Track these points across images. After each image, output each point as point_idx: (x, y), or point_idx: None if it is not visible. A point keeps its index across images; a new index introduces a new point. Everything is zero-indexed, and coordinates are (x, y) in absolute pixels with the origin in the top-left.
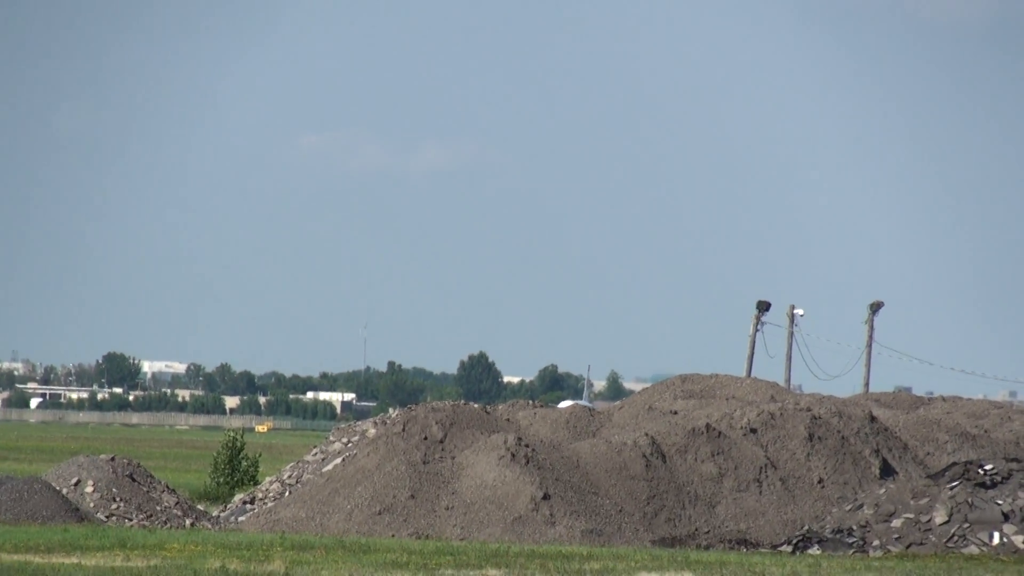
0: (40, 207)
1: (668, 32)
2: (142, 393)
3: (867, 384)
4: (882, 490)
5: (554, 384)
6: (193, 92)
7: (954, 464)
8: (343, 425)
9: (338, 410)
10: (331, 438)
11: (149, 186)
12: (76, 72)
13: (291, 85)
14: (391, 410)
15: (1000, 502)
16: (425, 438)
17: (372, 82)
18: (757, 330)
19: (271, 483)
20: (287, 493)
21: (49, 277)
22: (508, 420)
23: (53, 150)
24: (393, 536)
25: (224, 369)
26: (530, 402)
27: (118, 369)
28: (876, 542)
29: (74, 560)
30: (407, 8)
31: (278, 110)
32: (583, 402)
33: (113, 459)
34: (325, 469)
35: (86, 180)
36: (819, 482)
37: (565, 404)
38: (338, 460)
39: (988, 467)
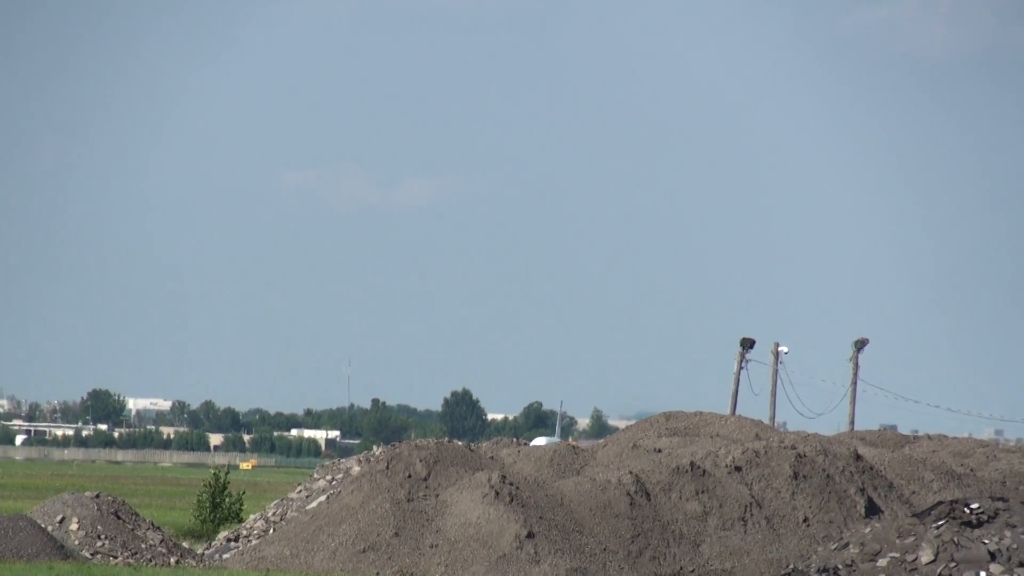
0: (23, 243)
1: (651, 71)
2: (127, 430)
3: (852, 422)
4: (868, 529)
5: (539, 421)
6: (177, 128)
7: (940, 503)
8: (327, 463)
9: (322, 447)
10: (315, 475)
11: (134, 223)
12: (57, 106)
13: (274, 121)
14: (375, 448)
15: (986, 541)
16: (409, 476)
17: (354, 118)
18: (742, 368)
19: (256, 520)
20: (271, 531)
21: (34, 314)
22: (492, 458)
23: (34, 185)
24: (377, 574)
25: (208, 406)
26: (514, 440)
27: (103, 406)
28: None
29: None
30: (390, 43)
31: (262, 146)
32: (555, 439)
33: (98, 496)
34: (309, 507)
35: (70, 217)
36: (804, 520)
37: (539, 441)
38: (322, 498)
39: (974, 506)
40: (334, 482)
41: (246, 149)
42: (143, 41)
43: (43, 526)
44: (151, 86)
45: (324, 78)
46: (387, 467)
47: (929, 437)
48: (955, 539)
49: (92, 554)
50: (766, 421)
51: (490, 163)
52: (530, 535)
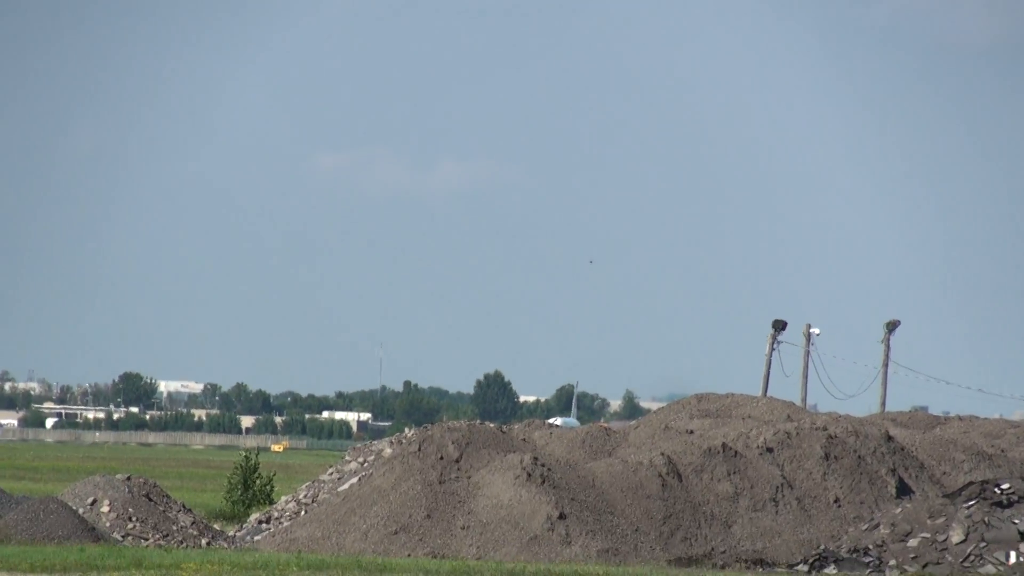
0: (56, 227)
1: (685, 57)
2: (158, 413)
3: (883, 403)
4: (898, 509)
5: (570, 403)
6: (212, 112)
7: (971, 483)
8: (359, 445)
9: (354, 429)
10: (347, 458)
11: (166, 207)
12: (94, 91)
13: (309, 105)
14: (407, 430)
15: (1017, 521)
16: (441, 458)
17: (389, 101)
18: (773, 349)
19: (287, 502)
20: (303, 512)
21: (66, 297)
22: (524, 440)
23: (70, 170)
24: (409, 556)
25: (240, 389)
26: (546, 422)
27: (134, 389)
28: (892, 561)
29: None
30: (425, 27)
31: (296, 130)
32: (571, 420)
33: (129, 479)
34: (341, 489)
35: (103, 200)
36: (835, 501)
37: (554, 421)
38: (354, 480)
39: (1005, 486)
40: (366, 464)
41: (280, 133)
42: (178, 30)
43: (74, 508)
44: (188, 73)
45: (359, 62)
46: (419, 449)
47: (960, 418)
48: (985, 519)
49: (123, 536)
50: (797, 403)
51: (522, 147)
52: (562, 516)
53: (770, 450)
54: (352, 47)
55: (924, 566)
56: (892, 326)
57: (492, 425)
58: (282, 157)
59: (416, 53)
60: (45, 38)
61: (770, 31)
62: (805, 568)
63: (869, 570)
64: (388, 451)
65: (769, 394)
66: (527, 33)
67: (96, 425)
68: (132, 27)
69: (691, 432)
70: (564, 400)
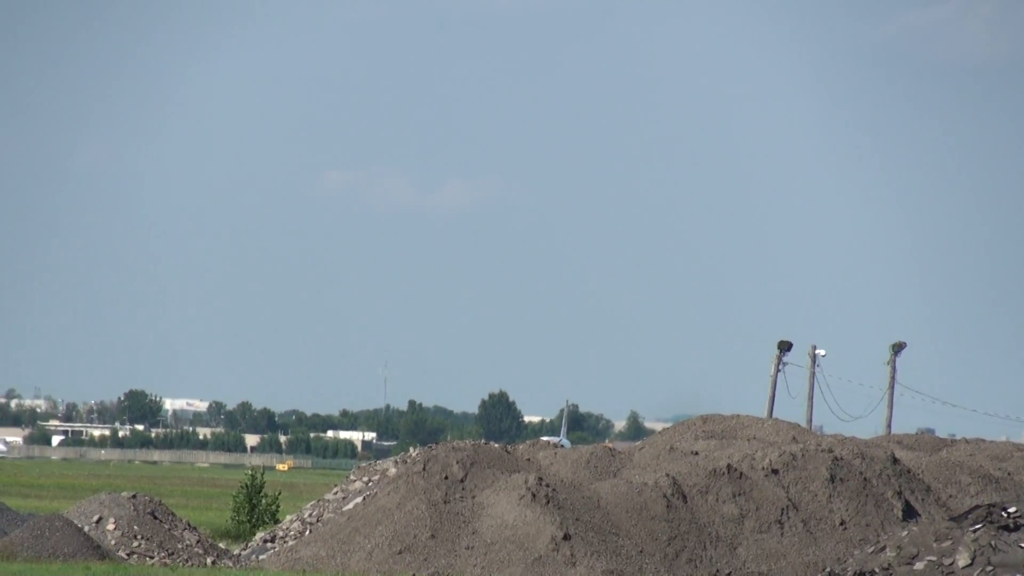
0: (62, 244)
1: (692, 78)
2: (163, 431)
3: (889, 425)
4: (904, 532)
5: (575, 424)
6: (220, 129)
7: (977, 507)
8: (364, 464)
9: (359, 449)
10: (352, 477)
11: (174, 224)
12: (103, 109)
13: (316, 122)
14: (411, 449)
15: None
16: (446, 477)
17: (396, 119)
18: (779, 370)
19: (292, 522)
20: (308, 532)
21: (72, 315)
22: (528, 460)
23: (77, 187)
24: (413, 575)
25: (245, 407)
26: (550, 442)
27: (139, 406)
28: None
29: None
30: (431, 46)
31: (303, 147)
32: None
33: (135, 496)
34: (346, 508)
35: (110, 218)
36: (841, 524)
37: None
38: (359, 499)
39: (1012, 510)
40: (370, 483)
41: (286, 150)
42: (182, 44)
43: (80, 526)
44: (196, 90)
45: (366, 81)
46: (424, 468)
47: (967, 441)
48: (992, 543)
49: (128, 554)
50: (803, 424)
51: (528, 167)
52: (566, 537)
53: (775, 472)
54: (360, 65)
55: None
56: (898, 348)
57: (496, 445)
58: (289, 174)
59: (423, 72)
60: (56, 55)
61: (778, 54)
62: None
63: None
64: (393, 470)
65: (775, 415)
66: (534, 52)
67: (101, 443)
68: (138, 45)
69: (696, 453)
70: (568, 420)
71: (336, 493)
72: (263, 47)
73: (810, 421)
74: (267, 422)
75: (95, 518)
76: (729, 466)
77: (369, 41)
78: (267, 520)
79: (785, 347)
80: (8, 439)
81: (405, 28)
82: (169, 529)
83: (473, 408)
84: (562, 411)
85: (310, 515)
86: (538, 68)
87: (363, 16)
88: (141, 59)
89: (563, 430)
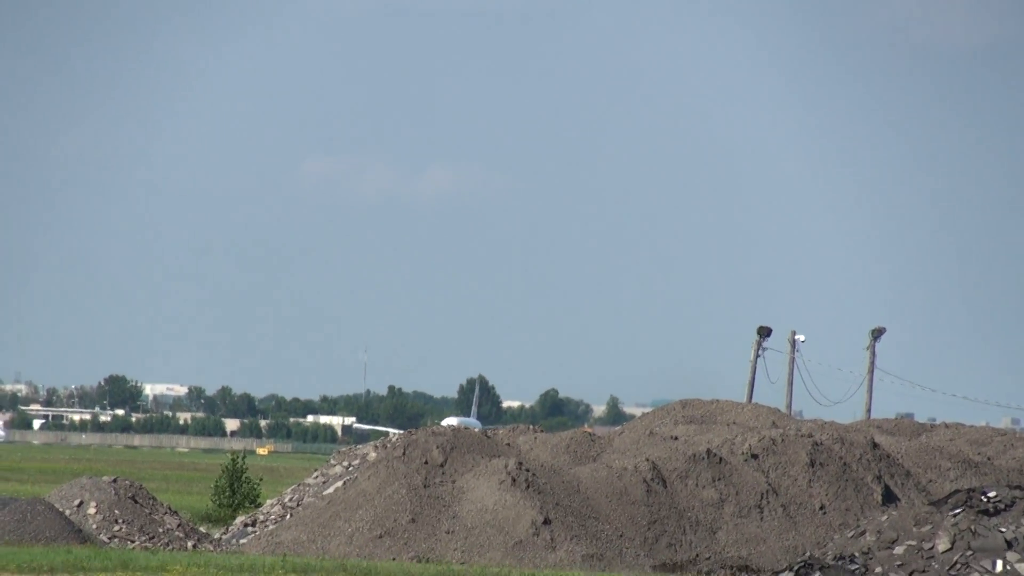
0: (42, 230)
1: (673, 64)
2: (143, 415)
3: (869, 410)
4: (884, 517)
5: (555, 409)
6: (200, 116)
7: (957, 491)
8: (344, 448)
9: (339, 433)
10: (332, 461)
11: (154, 210)
12: (82, 94)
13: (297, 109)
14: (391, 434)
15: (1003, 530)
16: (426, 462)
17: (378, 106)
18: (758, 356)
19: (272, 506)
20: (288, 516)
21: (52, 299)
22: (508, 445)
23: (56, 173)
24: (394, 560)
25: (225, 392)
26: (530, 427)
27: (120, 391)
28: (878, 569)
29: None
30: (414, 32)
31: (284, 134)
32: (471, 419)
33: (115, 481)
34: (326, 492)
35: (90, 204)
36: (821, 508)
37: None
38: (339, 483)
39: (991, 494)
40: (351, 468)
41: (267, 138)
42: (164, 33)
43: (61, 510)
44: (174, 75)
45: (348, 68)
46: (404, 453)
47: (946, 425)
48: (972, 527)
49: (110, 538)
50: (783, 409)
51: (509, 154)
52: (546, 521)
53: (755, 456)
54: (341, 52)
55: (910, 574)
56: (878, 333)
57: (477, 430)
58: (270, 161)
59: (405, 58)
60: (34, 42)
61: (754, 36)
62: (790, 575)
63: None
64: (373, 455)
65: (754, 400)
66: (517, 39)
67: (82, 427)
68: (120, 31)
69: (676, 438)
70: (549, 406)
71: (316, 477)
72: (244, 37)
73: (790, 406)
74: (247, 407)
75: (76, 502)
76: (709, 451)
77: (349, 29)
78: (248, 504)
79: (765, 332)
80: None
81: (386, 17)
82: (150, 513)
83: (453, 393)
84: (554, 396)
85: (290, 499)
86: (520, 56)
87: (344, 4)
88: (120, 51)
89: (473, 410)
